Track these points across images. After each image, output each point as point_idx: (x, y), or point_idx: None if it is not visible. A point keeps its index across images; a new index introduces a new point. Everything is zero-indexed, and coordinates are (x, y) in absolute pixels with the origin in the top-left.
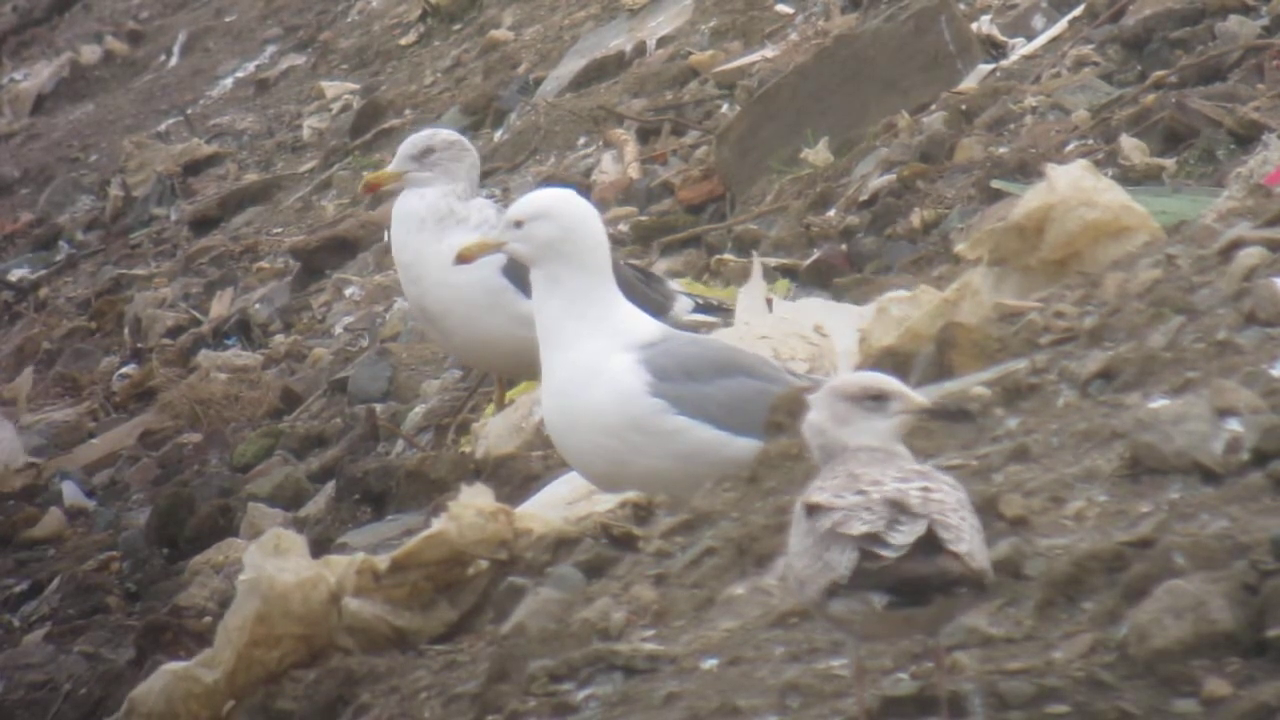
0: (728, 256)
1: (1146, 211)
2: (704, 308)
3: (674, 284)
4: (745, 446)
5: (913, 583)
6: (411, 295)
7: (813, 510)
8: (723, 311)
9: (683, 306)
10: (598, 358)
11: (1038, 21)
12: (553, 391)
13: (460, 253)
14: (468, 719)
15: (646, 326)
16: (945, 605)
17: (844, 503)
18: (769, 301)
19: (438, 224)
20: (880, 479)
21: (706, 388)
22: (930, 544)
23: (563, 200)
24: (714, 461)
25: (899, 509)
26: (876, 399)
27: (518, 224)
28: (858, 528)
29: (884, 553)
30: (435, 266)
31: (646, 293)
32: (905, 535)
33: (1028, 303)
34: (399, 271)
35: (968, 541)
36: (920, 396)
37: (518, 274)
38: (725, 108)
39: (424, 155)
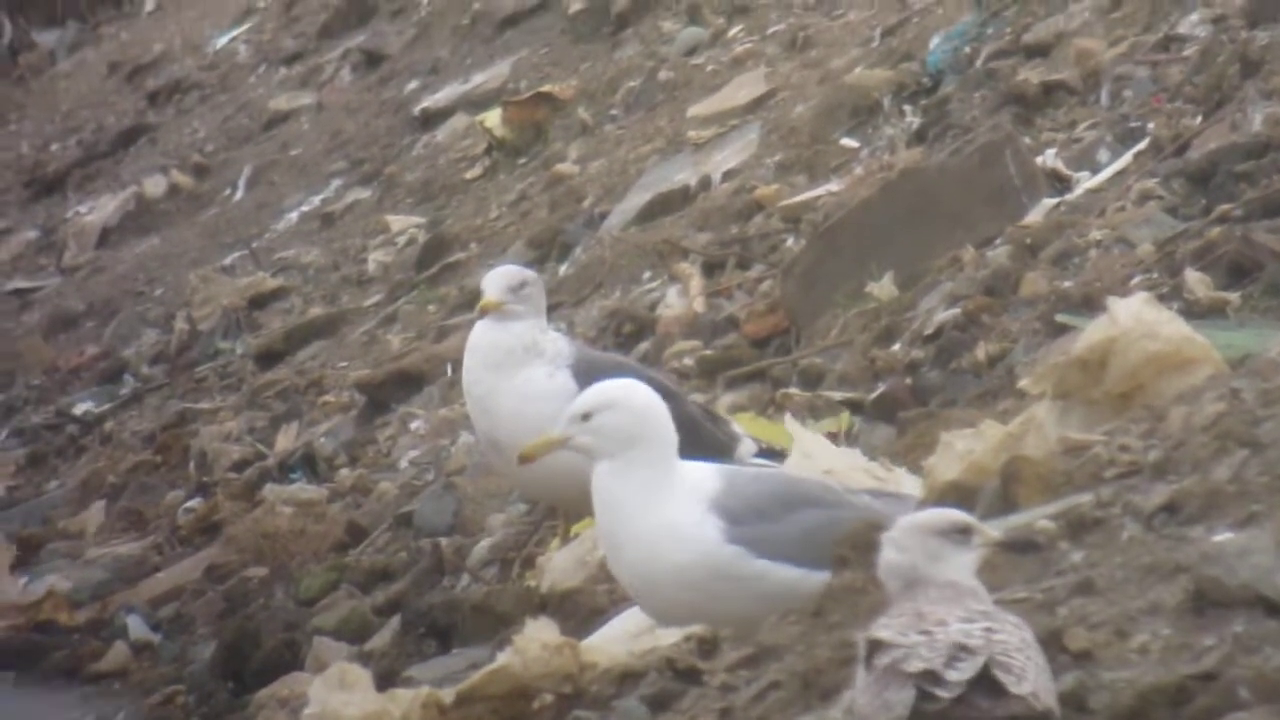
0: (793, 391)
1: (1209, 344)
2: (766, 453)
3: (737, 426)
4: (823, 580)
5: None
6: (482, 428)
7: (875, 647)
8: (784, 457)
9: (746, 449)
10: (666, 518)
11: (1102, 155)
12: (627, 561)
13: (523, 454)
14: None
15: (704, 473)
16: None
17: (906, 641)
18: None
19: (523, 354)
20: (945, 619)
21: (779, 526)
22: (992, 684)
23: (629, 389)
24: (794, 598)
25: (959, 648)
26: (963, 533)
27: (585, 417)
28: (915, 665)
29: (940, 693)
30: (510, 399)
31: (713, 433)
32: (961, 673)
33: (1092, 436)
34: (469, 403)
35: (1031, 681)
36: (991, 530)
37: None
38: (790, 241)
39: (520, 288)
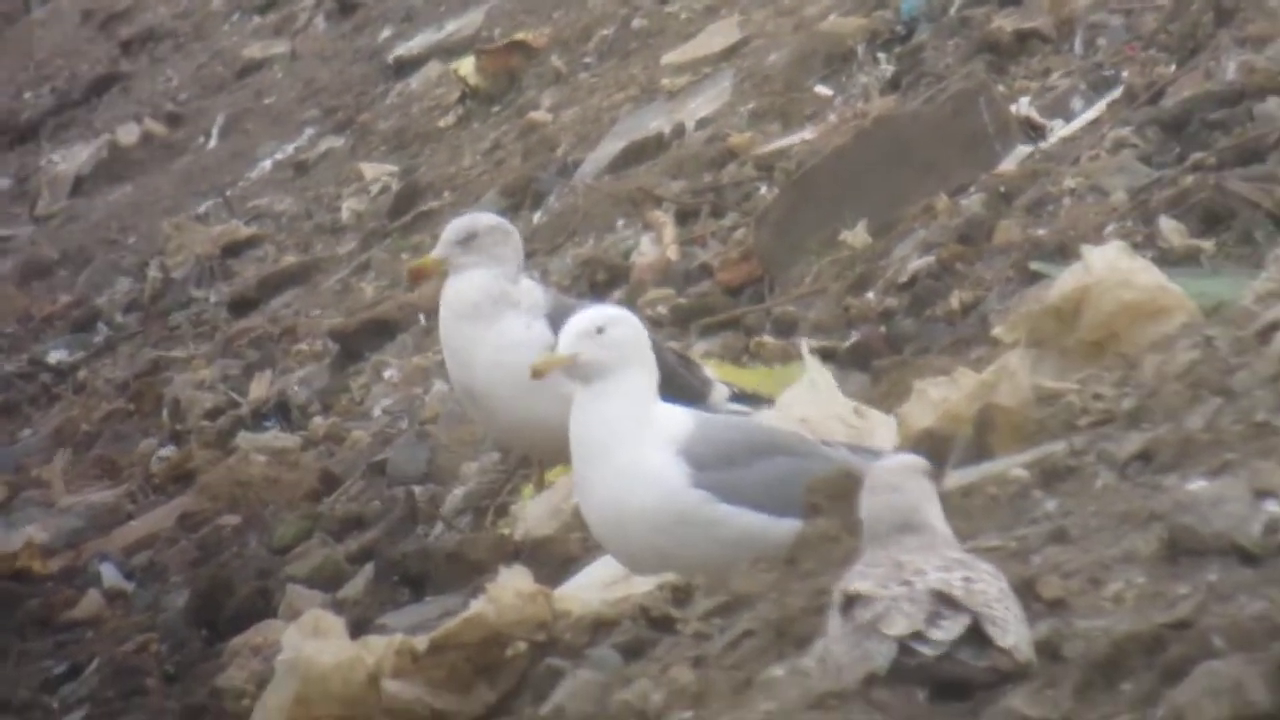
0: (766, 339)
1: (1183, 292)
2: (740, 396)
3: (710, 371)
4: (790, 528)
5: (956, 682)
6: (459, 379)
7: (854, 599)
8: (758, 400)
9: (720, 394)
10: (635, 459)
11: (1076, 104)
12: (595, 501)
13: (535, 368)
14: None
15: (679, 417)
16: (990, 696)
17: (887, 593)
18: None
19: (492, 307)
20: (924, 568)
21: (747, 472)
22: (974, 637)
23: (623, 311)
24: (760, 546)
25: (942, 600)
26: (934, 478)
27: (600, 330)
28: (899, 625)
29: (924, 650)
30: (486, 350)
31: (687, 379)
32: (946, 631)
33: (1066, 384)
34: (446, 356)
35: (1014, 633)
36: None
37: None
38: (764, 189)
39: (468, 241)
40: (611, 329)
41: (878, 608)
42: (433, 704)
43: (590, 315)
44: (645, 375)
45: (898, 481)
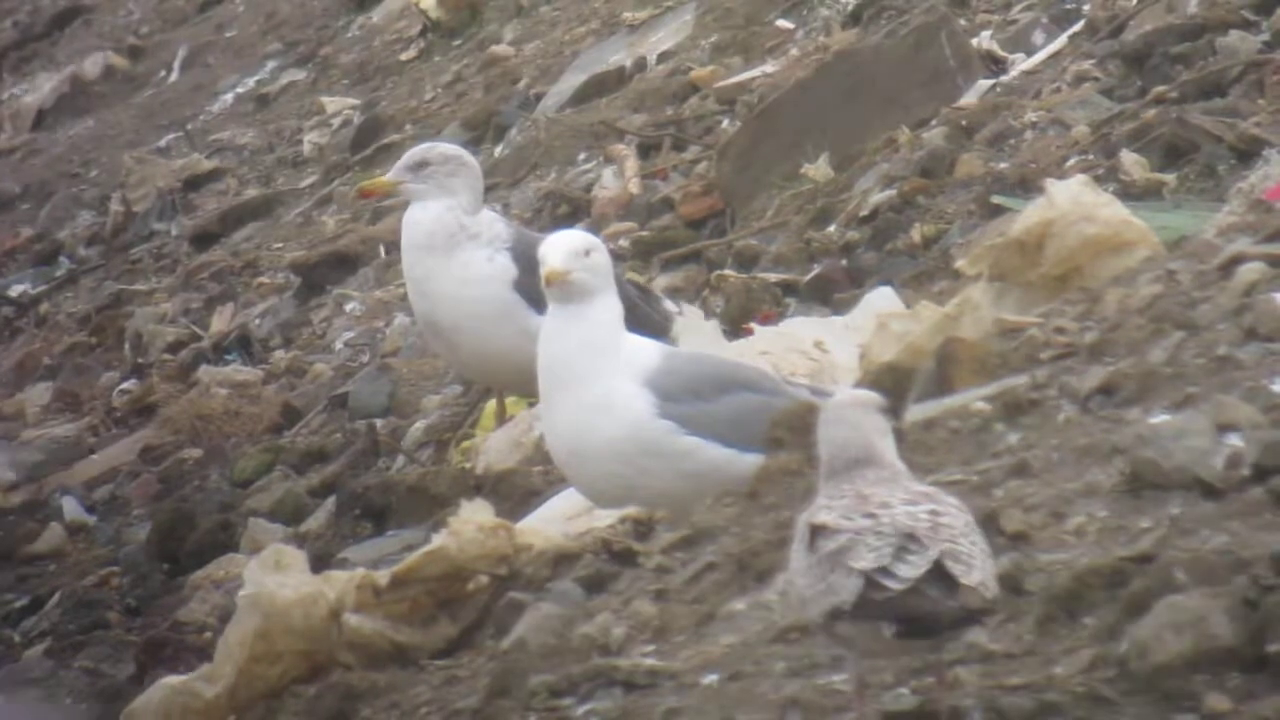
0: (728, 272)
1: (1146, 226)
2: None
3: (670, 304)
4: (752, 462)
5: (922, 618)
6: (420, 309)
7: (819, 531)
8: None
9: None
10: (602, 388)
11: (1038, 37)
12: (560, 429)
13: (549, 275)
14: None
15: (647, 350)
16: (953, 630)
17: (852, 525)
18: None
19: (448, 239)
20: (889, 501)
21: (712, 406)
22: (940, 573)
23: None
24: (722, 479)
25: (908, 537)
26: (887, 413)
27: (587, 253)
28: (864, 559)
29: (890, 584)
30: (447, 281)
31: (647, 312)
32: (912, 568)
33: (1028, 318)
34: (408, 286)
35: (979, 569)
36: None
37: (527, 289)
38: (726, 123)
39: (419, 168)
40: (595, 253)
41: (842, 540)
42: (394, 638)
43: (578, 237)
44: (617, 304)
45: (852, 416)
